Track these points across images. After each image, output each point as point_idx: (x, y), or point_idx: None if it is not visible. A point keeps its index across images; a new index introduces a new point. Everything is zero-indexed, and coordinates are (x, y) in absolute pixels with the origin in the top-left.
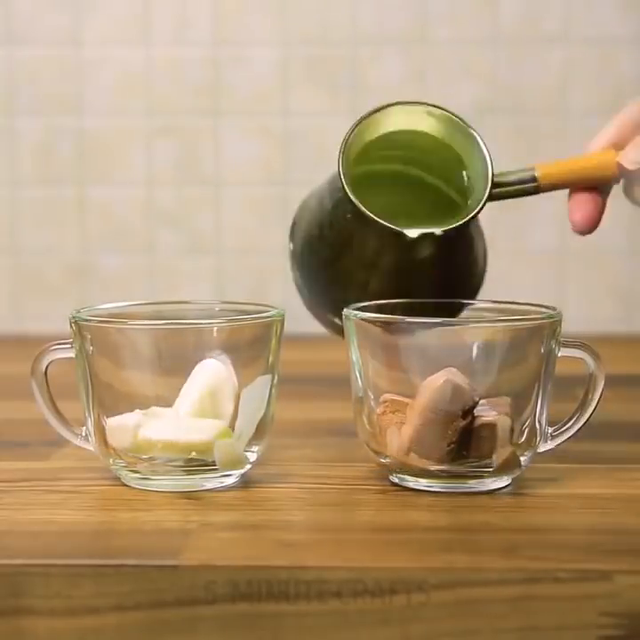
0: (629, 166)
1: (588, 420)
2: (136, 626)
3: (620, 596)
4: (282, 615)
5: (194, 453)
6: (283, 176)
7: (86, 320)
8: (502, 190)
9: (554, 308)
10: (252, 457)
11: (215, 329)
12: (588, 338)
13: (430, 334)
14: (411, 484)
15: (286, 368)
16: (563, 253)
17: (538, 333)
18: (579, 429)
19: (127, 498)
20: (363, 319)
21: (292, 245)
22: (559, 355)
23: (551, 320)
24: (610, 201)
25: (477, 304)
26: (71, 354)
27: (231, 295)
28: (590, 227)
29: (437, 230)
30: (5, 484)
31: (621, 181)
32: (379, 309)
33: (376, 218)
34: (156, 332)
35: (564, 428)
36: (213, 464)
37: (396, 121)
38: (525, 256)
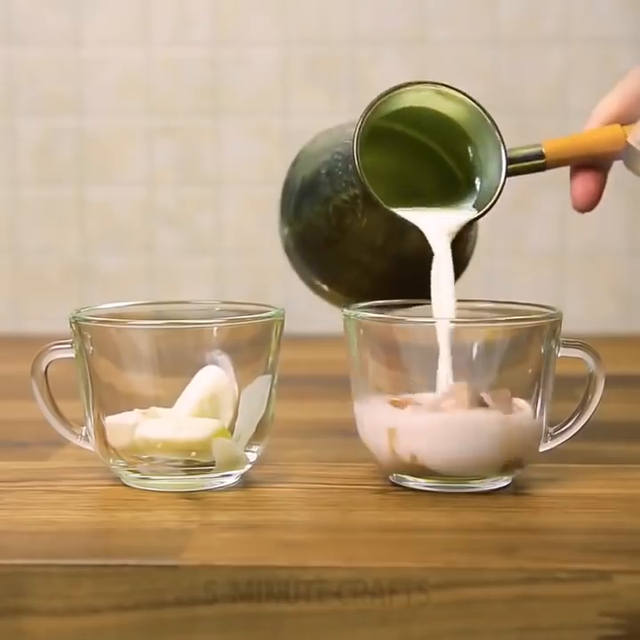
0: (639, 147)
1: (588, 420)
2: (136, 626)
3: (619, 596)
4: (282, 615)
5: (194, 454)
6: (283, 176)
7: (86, 320)
8: (509, 168)
9: (554, 308)
10: (252, 457)
11: (215, 329)
12: (588, 338)
13: (430, 334)
14: (411, 484)
15: (286, 368)
16: (562, 253)
17: (538, 333)
18: (579, 429)
19: (127, 498)
20: (363, 319)
21: (284, 205)
22: (559, 355)
23: (551, 320)
24: (610, 201)
25: (477, 304)
26: (71, 354)
27: (231, 295)
28: (591, 204)
29: (455, 227)
30: (5, 484)
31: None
32: (379, 309)
33: (398, 213)
34: (156, 332)
35: (564, 428)
36: (213, 464)
37: (404, 100)
38: (525, 256)
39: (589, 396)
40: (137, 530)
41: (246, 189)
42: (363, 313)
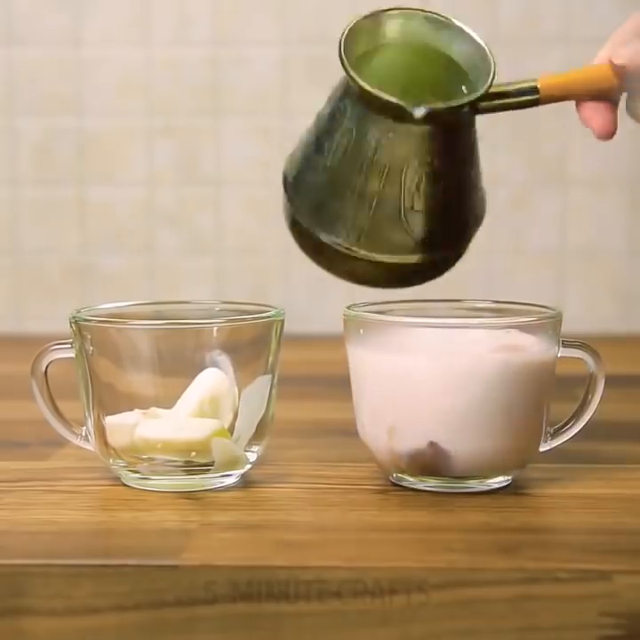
0: (616, 60)
1: (588, 420)
2: (136, 626)
3: (619, 596)
4: (282, 615)
5: (193, 454)
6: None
7: (86, 320)
8: (503, 102)
9: (554, 308)
10: (252, 457)
11: (215, 329)
12: (588, 338)
13: (431, 334)
14: (411, 484)
15: (286, 368)
16: (562, 253)
17: (538, 333)
18: (579, 429)
19: (127, 498)
20: (363, 319)
21: (289, 176)
22: (559, 355)
23: (551, 320)
24: (610, 201)
25: (477, 304)
26: (71, 354)
27: (231, 295)
28: (610, 132)
29: (442, 105)
30: (5, 484)
31: (624, 101)
32: (379, 309)
33: (381, 93)
34: (156, 332)
35: (564, 428)
36: (213, 464)
37: (392, 30)
38: (525, 256)
39: (589, 396)
40: (137, 530)
41: (246, 189)
42: (363, 313)
